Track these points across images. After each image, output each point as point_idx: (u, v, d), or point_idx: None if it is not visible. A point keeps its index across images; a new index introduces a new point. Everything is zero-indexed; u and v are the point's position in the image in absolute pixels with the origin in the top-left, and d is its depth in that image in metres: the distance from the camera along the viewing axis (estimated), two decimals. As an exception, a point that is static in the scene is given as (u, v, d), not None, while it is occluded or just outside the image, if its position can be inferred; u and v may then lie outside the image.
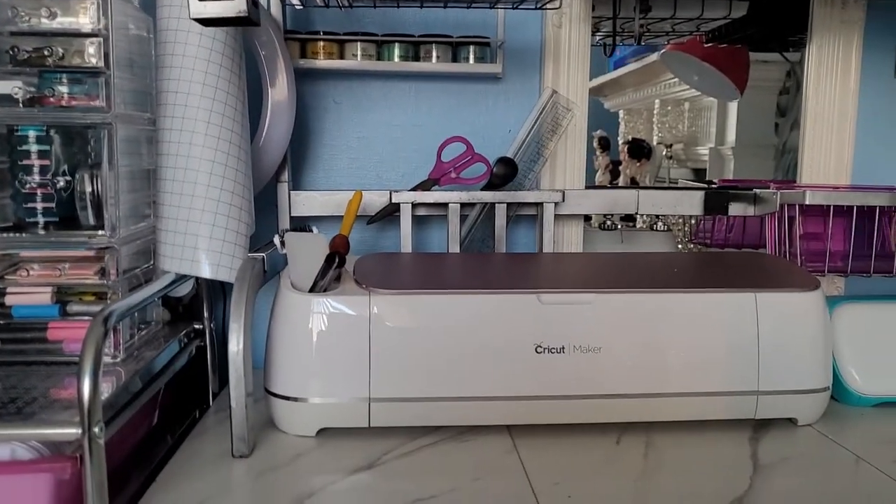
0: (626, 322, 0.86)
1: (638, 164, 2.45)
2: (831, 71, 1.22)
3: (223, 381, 1.08)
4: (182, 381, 0.99)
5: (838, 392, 0.96)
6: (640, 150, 2.47)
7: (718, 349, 0.86)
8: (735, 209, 1.14)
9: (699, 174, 2.18)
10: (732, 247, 1.29)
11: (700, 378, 0.86)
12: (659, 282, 0.90)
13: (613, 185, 1.51)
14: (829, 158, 1.21)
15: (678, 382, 0.86)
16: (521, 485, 0.74)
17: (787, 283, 0.90)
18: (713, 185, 1.35)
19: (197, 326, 1.04)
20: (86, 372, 0.62)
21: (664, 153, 2.49)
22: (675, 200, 1.15)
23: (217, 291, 1.11)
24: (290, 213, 1.11)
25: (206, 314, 1.05)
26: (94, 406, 0.62)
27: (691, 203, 1.15)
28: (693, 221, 1.33)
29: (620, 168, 2.38)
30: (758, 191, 1.12)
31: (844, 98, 1.21)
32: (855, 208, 1.02)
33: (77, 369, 0.75)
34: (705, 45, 1.61)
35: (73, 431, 0.62)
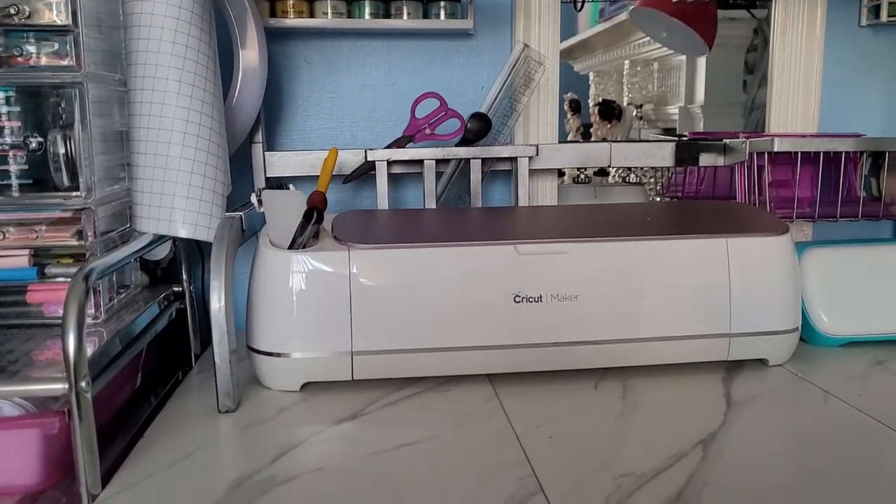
0: (601, 270, 0.87)
1: (609, 125, 2.46)
2: (797, 21, 1.23)
3: (204, 342, 1.09)
4: (163, 344, 0.99)
5: (806, 333, 0.99)
6: (610, 111, 2.49)
7: (691, 294, 0.88)
8: (705, 160, 1.16)
9: (669, 134, 2.20)
10: (704, 198, 1.31)
11: (674, 322, 0.88)
12: (633, 230, 0.92)
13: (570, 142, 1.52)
14: (797, 108, 1.23)
15: (653, 327, 0.88)
16: (503, 428, 0.76)
17: (757, 228, 0.92)
18: (684, 137, 1.36)
19: (176, 289, 1.04)
20: (70, 327, 0.62)
21: (634, 114, 2.51)
22: (646, 152, 1.16)
23: (195, 254, 1.12)
24: (265, 173, 1.11)
25: (184, 276, 1.05)
26: (80, 361, 0.62)
27: (662, 155, 1.17)
28: (664, 175, 1.35)
29: (591, 130, 2.39)
30: (727, 140, 1.14)
31: (811, 48, 1.22)
32: (822, 155, 1.04)
33: (60, 328, 0.76)
34: (673, 1, 1.62)
35: (61, 387, 0.63)
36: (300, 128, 1.19)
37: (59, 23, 0.77)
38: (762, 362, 0.92)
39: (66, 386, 0.62)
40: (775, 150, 1.03)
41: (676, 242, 0.89)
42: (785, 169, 1.10)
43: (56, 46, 0.78)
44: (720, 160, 1.15)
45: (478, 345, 0.87)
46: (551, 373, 0.89)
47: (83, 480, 0.63)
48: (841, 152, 1.06)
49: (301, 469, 0.68)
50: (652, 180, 1.41)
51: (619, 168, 1.29)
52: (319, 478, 0.66)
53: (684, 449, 0.69)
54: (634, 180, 1.25)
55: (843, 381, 0.87)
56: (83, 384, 0.63)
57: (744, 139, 1.09)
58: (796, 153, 1.05)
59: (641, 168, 1.27)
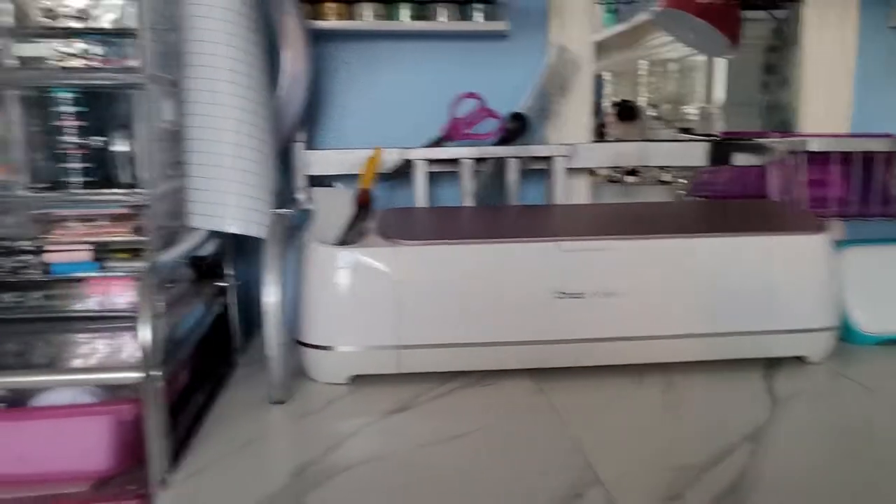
0: (643, 267, 0.89)
1: (626, 125, 2.47)
2: (829, 23, 1.25)
3: (247, 336, 1.12)
4: (209, 337, 1.01)
5: (844, 331, 1.00)
6: (628, 111, 2.50)
7: (732, 291, 0.90)
8: (739, 159, 1.18)
9: (687, 133, 2.21)
10: (734, 197, 1.33)
11: (715, 319, 0.90)
12: (674, 228, 0.93)
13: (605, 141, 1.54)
14: (828, 110, 1.25)
15: (694, 324, 0.90)
16: (551, 421, 0.78)
17: (797, 227, 0.94)
18: (715, 137, 1.38)
19: (221, 284, 1.07)
20: (143, 320, 0.65)
21: (651, 114, 2.52)
22: (680, 151, 1.18)
23: (237, 249, 1.14)
24: (305, 171, 1.13)
25: (229, 272, 1.07)
26: (153, 351, 0.65)
27: (696, 154, 1.18)
28: (693, 174, 1.37)
29: (607, 130, 2.40)
30: (761, 140, 1.16)
31: (842, 49, 1.24)
32: (856, 155, 1.05)
33: (120, 320, 0.79)
34: (699, 2, 1.63)
35: (135, 375, 0.65)
36: (338, 127, 1.21)
37: (125, 27, 0.79)
38: (801, 359, 0.94)
39: (141, 375, 0.65)
40: (810, 149, 1.05)
41: (717, 240, 0.90)
42: (818, 168, 1.11)
43: (122, 49, 0.80)
44: (754, 159, 1.17)
45: (521, 339, 0.89)
46: (592, 368, 0.90)
47: (154, 466, 0.65)
48: (874, 152, 1.07)
49: (358, 458, 0.70)
50: (682, 180, 1.43)
51: (650, 167, 1.30)
52: (376, 467, 0.68)
53: (734, 443, 0.71)
54: (668, 179, 1.27)
55: (882, 379, 0.89)
56: (155, 374, 0.65)
57: (778, 139, 1.10)
58: (830, 153, 1.06)
59: (672, 167, 1.28)
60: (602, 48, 2.01)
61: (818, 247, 0.92)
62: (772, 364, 0.93)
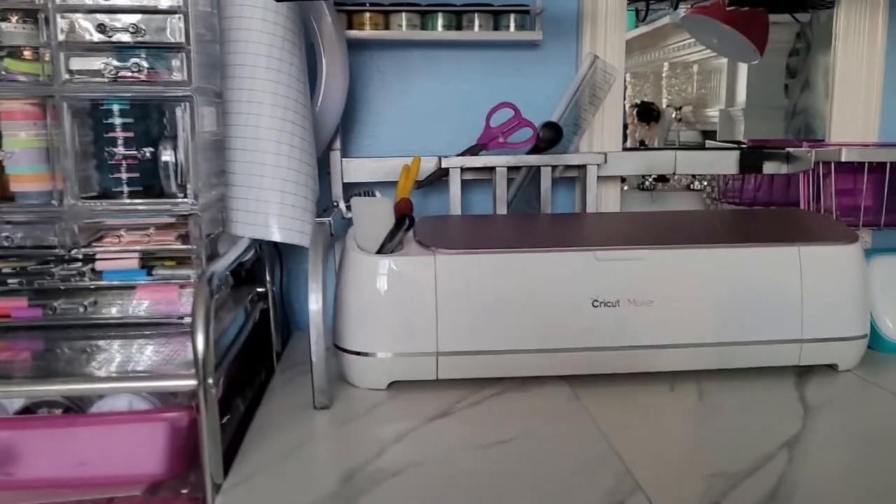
0: (677, 276, 0.91)
1: (647, 127, 2.48)
2: (859, 30, 1.25)
3: (284, 341, 1.14)
4: (250, 342, 1.04)
5: (872, 340, 1.01)
6: (649, 113, 2.50)
7: (764, 300, 0.91)
8: (769, 168, 1.19)
9: (709, 136, 2.21)
10: (761, 205, 1.34)
11: (747, 327, 0.91)
12: (707, 238, 0.95)
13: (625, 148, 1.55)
14: (858, 117, 1.25)
15: (726, 332, 0.91)
16: (589, 427, 0.79)
17: (828, 237, 0.95)
18: (743, 145, 1.39)
19: (259, 290, 1.09)
20: (199, 328, 0.67)
21: (673, 116, 2.52)
22: (711, 160, 1.19)
23: (274, 256, 1.16)
24: (342, 179, 1.15)
25: (268, 278, 1.09)
26: (208, 359, 0.67)
27: (727, 163, 1.19)
28: (722, 182, 1.38)
29: (628, 132, 2.41)
30: (792, 150, 1.17)
31: (872, 57, 1.24)
32: (888, 164, 1.06)
33: (168, 326, 0.81)
34: (727, 9, 1.64)
35: (190, 383, 0.68)
36: (372, 134, 1.23)
37: (172, 41, 0.82)
38: (831, 367, 0.95)
39: (195, 382, 0.67)
40: (842, 160, 1.06)
41: (750, 250, 0.92)
42: (849, 177, 1.12)
43: (169, 62, 0.82)
44: (784, 168, 1.18)
45: (557, 347, 0.90)
46: (626, 375, 0.92)
47: (208, 471, 0.68)
48: (905, 162, 1.08)
49: (403, 464, 0.72)
50: (709, 187, 1.44)
51: (681, 175, 1.32)
52: (424, 472, 0.70)
53: (770, 451, 0.72)
54: (698, 187, 1.28)
55: (913, 387, 0.90)
56: (210, 381, 0.67)
57: (809, 148, 1.11)
58: (862, 163, 1.07)
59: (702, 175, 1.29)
60: (624, 50, 2.01)
61: (851, 257, 0.93)
62: (803, 372, 0.94)
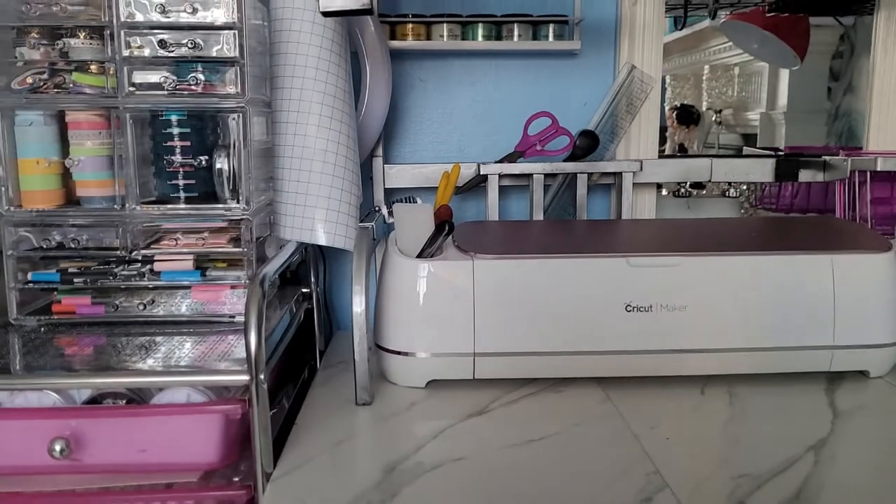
0: (710, 282, 0.93)
1: (686, 130, 2.48)
2: (898, 38, 1.26)
3: (327, 340, 1.19)
4: (294, 341, 1.08)
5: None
6: (688, 115, 2.50)
7: (796, 307, 0.93)
8: (805, 175, 1.20)
9: (749, 139, 2.21)
10: (797, 211, 1.35)
11: (779, 333, 0.93)
12: (740, 245, 0.97)
13: (661, 151, 1.57)
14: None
15: (758, 338, 0.93)
16: (620, 428, 0.82)
17: (861, 245, 0.96)
18: (780, 153, 1.40)
19: (304, 291, 1.14)
20: (251, 327, 0.72)
21: (713, 118, 2.52)
22: (747, 168, 1.21)
23: (319, 258, 1.21)
24: (384, 185, 1.20)
25: (312, 279, 1.14)
26: (259, 356, 0.72)
27: (763, 170, 1.21)
28: (758, 188, 1.39)
29: (667, 135, 2.42)
30: (828, 158, 1.18)
31: (911, 65, 1.25)
32: (923, 174, 1.07)
33: (220, 324, 0.86)
34: (767, 15, 1.64)
35: (243, 378, 0.72)
36: (413, 142, 1.27)
37: (228, 55, 0.87)
38: (862, 374, 0.96)
39: (248, 377, 0.72)
40: (878, 169, 1.07)
41: (783, 258, 0.94)
42: (885, 186, 1.13)
43: (224, 75, 0.87)
44: (819, 176, 1.19)
45: (591, 350, 0.93)
46: (658, 378, 0.95)
47: (259, 460, 0.72)
48: (942, 171, 1.09)
49: (444, 457, 0.75)
50: (745, 190, 1.45)
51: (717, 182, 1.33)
52: (462, 466, 0.74)
53: (797, 453, 0.75)
54: (734, 194, 1.30)
55: (944, 394, 0.91)
56: (262, 376, 0.72)
57: (845, 157, 1.13)
58: (897, 172, 1.08)
59: (738, 182, 1.31)
60: (664, 51, 2.02)
61: (884, 265, 0.94)
62: (834, 378, 0.95)
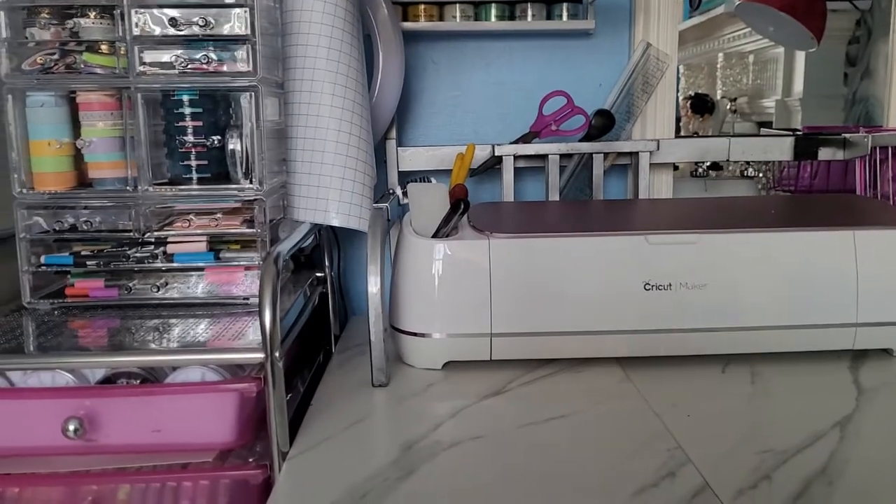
0: (730, 260, 0.91)
1: (701, 119, 2.46)
2: (919, 16, 1.23)
3: (342, 324, 1.18)
4: (309, 325, 1.08)
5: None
6: (703, 104, 2.48)
7: (818, 284, 0.91)
8: (824, 154, 1.18)
9: (765, 127, 2.19)
10: (817, 192, 1.33)
11: (801, 311, 0.91)
12: (759, 222, 0.95)
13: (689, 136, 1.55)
14: (917, 102, 1.24)
15: (780, 316, 0.91)
16: (640, 406, 0.81)
17: (884, 221, 0.94)
18: (798, 132, 1.38)
19: (319, 274, 1.13)
20: (266, 305, 0.71)
21: (728, 107, 2.49)
22: (765, 146, 1.19)
23: (333, 242, 1.20)
24: (397, 167, 1.19)
25: (327, 263, 1.13)
26: (275, 334, 0.71)
27: (781, 149, 1.19)
28: (777, 168, 1.37)
29: (681, 124, 2.39)
30: (848, 135, 1.16)
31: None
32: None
33: (234, 306, 0.85)
34: (783, -5, 1.62)
35: (258, 356, 0.71)
36: (426, 124, 1.26)
37: (239, 33, 0.86)
38: (887, 352, 0.94)
39: (263, 355, 0.71)
40: (899, 144, 1.05)
41: (804, 234, 0.92)
42: (907, 163, 1.11)
43: (236, 54, 0.86)
44: (839, 154, 1.17)
45: (609, 329, 0.92)
46: (678, 358, 0.93)
47: (275, 440, 0.71)
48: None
49: (461, 436, 0.74)
50: (763, 170, 1.43)
51: (735, 162, 1.31)
52: (480, 445, 0.73)
53: (822, 429, 0.73)
54: (752, 174, 1.28)
55: (971, 372, 0.89)
56: (277, 354, 0.71)
57: (865, 134, 1.10)
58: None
59: (757, 162, 1.29)
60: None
61: (907, 241, 0.93)
62: (857, 356, 0.94)
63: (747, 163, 1.31)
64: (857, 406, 0.79)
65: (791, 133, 1.27)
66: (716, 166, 1.42)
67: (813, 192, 1.32)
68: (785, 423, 0.75)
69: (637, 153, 1.16)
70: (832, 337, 0.92)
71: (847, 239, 0.92)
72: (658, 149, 1.16)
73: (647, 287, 0.91)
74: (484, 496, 0.64)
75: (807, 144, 1.18)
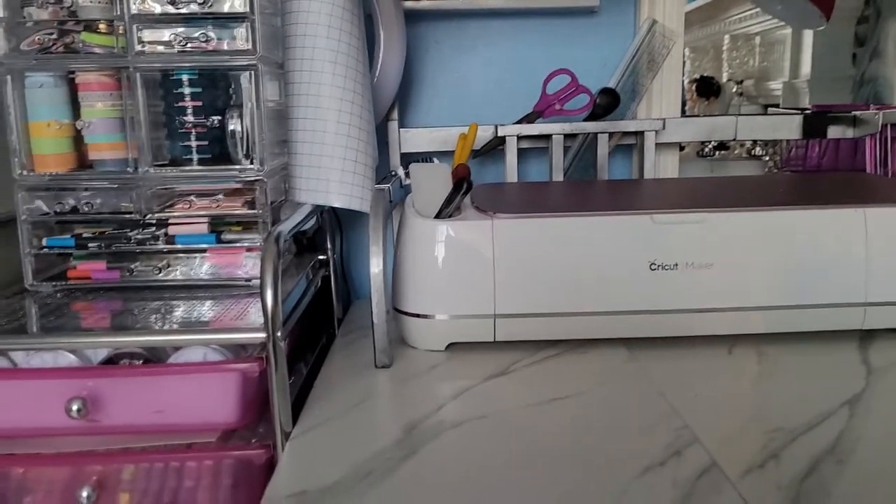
0: (736, 239, 0.90)
1: (707, 102, 2.43)
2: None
3: (345, 307, 1.17)
4: (312, 307, 1.07)
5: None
6: (709, 87, 2.45)
7: (827, 263, 0.90)
8: (834, 132, 1.17)
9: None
10: (827, 171, 1.32)
11: (809, 291, 0.90)
12: (767, 200, 0.94)
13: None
14: (927, 80, 1.22)
15: (788, 295, 0.90)
16: (646, 386, 0.80)
17: (893, 198, 0.93)
18: (807, 111, 1.36)
19: (321, 257, 1.12)
20: (267, 284, 0.70)
21: (734, 90, 2.47)
22: (773, 124, 1.17)
23: (335, 225, 1.19)
24: (399, 149, 1.18)
25: (329, 245, 1.12)
26: (276, 313, 0.70)
27: (790, 127, 1.17)
28: (785, 148, 1.36)
29: (686, 108, 2.37)
30: (858, 112, 1.14)
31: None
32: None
33: (237, 287, 0.85)
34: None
35: (260, 336, 0.71)
36: (429, 105, 1.25)
37: (238, 10, 0.85)
38: (895, 332, 0.93)
39: (265, 335, 0.70)
40: (909, 121, 1.03)
41: (813, 212, 0.91)
42: (916, 141, 1.09)
43: (235, 32, 0.85)
44: (849, 132, 1.15)
45: (615, 310, 0.91)
46: (685, 338, 0.92)
47: (277, 419, 0.71)
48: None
49: (465, 416, 0.74)
50: (771, 156, 1.42)
51: (742, 142, 1.30)
52: (484, 424, 0.72)
53: (831, 408, 0.72)
54: (759, 153, 1.26)
55: (982, 351, 0.88)
56: (279, 334, 0.70)
57: (876, 111, 1.09)
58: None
59: (764, 142, 1.28)
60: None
61: (916, 218, 0.91)
62: (866, 336, 0.93)
63: (754, 142, 1.29)
64: (867, 385, 0.78)
65: (800, 111, 1.26)
66: (722, 146, 1.40)
67: (821, 171, 1.30)
68: (793, 403, 0.75)
69: (643, 133, 1.15)
70: (841, 317, 0.91)
71: (857, 217, 0.90)
72: (664, 128, 1.15)
73: (653, 267, 0.90)
74: (487, 475, 0.63)
75: (816, 122, 1.17)
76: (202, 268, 0.91)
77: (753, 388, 0.79)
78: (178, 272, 0.92)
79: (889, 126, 1.07)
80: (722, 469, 0.61)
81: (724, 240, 0.90)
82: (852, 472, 0.60)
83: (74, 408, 0.68)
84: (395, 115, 1.17)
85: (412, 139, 1.19)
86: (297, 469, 0.65)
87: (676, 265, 0.90)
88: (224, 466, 0.72)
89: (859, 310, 0.91)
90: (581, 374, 0.85)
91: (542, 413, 0.75)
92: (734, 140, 1.20)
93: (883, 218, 0.90)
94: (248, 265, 0.92)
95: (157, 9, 0.85)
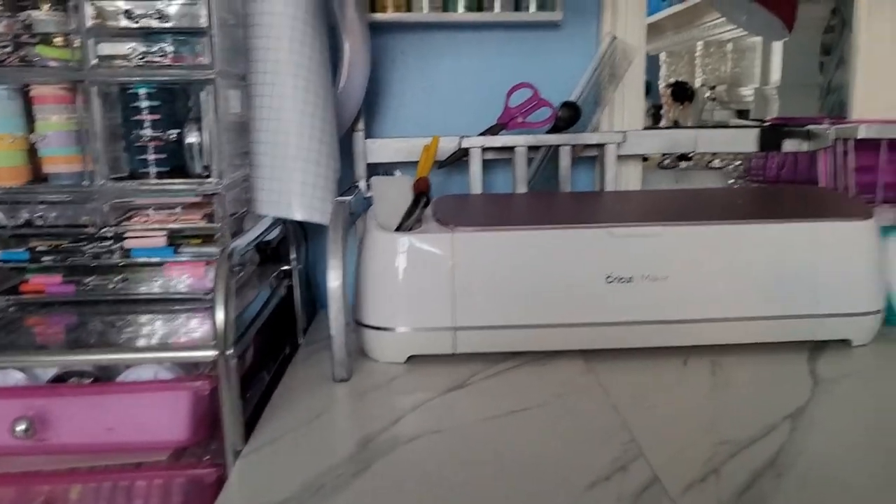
0: (691, 252, 0.92)
1: (681, 106, 2.46)
2: (882, 5, 1.24)
3: (309, 318, 1.17)
4: (274, 319, 1.07)
5: (889, 316, 1.01)
6: (683, 92, 2.48)
7: (778, 276, 0.92)
8: (789, 145, 1.18)
9: (743, 115, 2.19)
10: (785, 183, 1.33)
11: (761, 303, 0.92)
12: (722, 214, 0.95)
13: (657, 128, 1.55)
14: (881, 93, 1.24)
15: (741, 308, 0.92)
16: (601, 399, 0.81)
17: (843, 213, 0.95)
18: (765, 123, 1.38)
19: (284, 268, 1.12)
20: (219, 301, 0.70)
21: (707, 95, 2.49)
22: (731, 138, 1.19)
23: (299, 235, 1.19)
24: (365, 159, 1.18)
25: (293, 256, 1.12)
26: (228, 331, 0.70)
27: (746, 141, 1.19)
28: (746, 160, 1.38)
29: (662, 112, 2.39)
30: (811, 127, 1.16)
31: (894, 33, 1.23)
32: (907, 141, 1.06)
33: (194, 302, 0.85)
34: (755, -17, 1.61)
35: (211, 353, 0.71)
36: (395, 116, 1.25)
37: (196, 26, 0.85)
38: (845, 343, 0.95)
39: (217, 353, 0.70)
40: (860, 136, 1.05)
41: (764, 226, 0.92)
42: (869, 154, 1.11)
43: (193, 47, 0.85)
44: (804, 146, 1.17)
45: (572, 322, 0.92)
46: (641, 350, 0.93)
47: (228, 437, 0.71)
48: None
49: (420, 430, 0.74)
50: (734, 166, 1.44)
51: (702, 153, 1.32)
52: (439, 438, 0.73)
53: (774, 422, 0.74)
54: (718, 165, 1.28)
55: (927, 362, 0.90)
56: (230, 352, 0.70)
57: (828, 125, 1.11)
58: (882, 139, 1.06)
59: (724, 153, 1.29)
60: (657, 28, 1.99)
61: (865, 233, 0.93)
62: (817, 347, 0.94)
63: (713, 154, 1.31)
64: (812, 397, 0.80)
65: (756, 125, 1.28)
66: (684, 157, 1.42)
67: (781, 183, 1.32)
68: (741, 415, 0.76)
69: (604, 145, 1.16)
70: (793, 328, 0.93)
71: (807, 231, 0.92)
72: (625, 140, 1.16)
73: (609, 280, 0.91)
74: (438, 489, 0.64)
75: (771, 136, 1.19)
76: (159, 281, 0.91)
77: (704, 400, 0.81)
78: (134, 286, 0.91)
79: (842, 140, 1.09)
80: (663, 484, 0.62)
81: (678, 253, 0.92)
82: (789, 487, 0.62)
83: (19, 428, 0.68)
84: (361, 125, 1.17)
85: (378, 150, 1.19)
86: (245, 487, 0.65)
87: (632, 278, 0.91)
88: (174, 486, 0.72)
89: (810, 321, 0.93)
90: (538, 387, 0.85)
91: (497, 427, 0.75)
92: (695, 152, 1.22)
93: (832, 232, 0.92)
94: (207, 278, 0.91)
95: (114, 22, 0.85)
